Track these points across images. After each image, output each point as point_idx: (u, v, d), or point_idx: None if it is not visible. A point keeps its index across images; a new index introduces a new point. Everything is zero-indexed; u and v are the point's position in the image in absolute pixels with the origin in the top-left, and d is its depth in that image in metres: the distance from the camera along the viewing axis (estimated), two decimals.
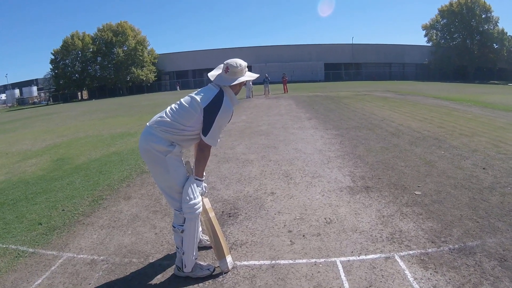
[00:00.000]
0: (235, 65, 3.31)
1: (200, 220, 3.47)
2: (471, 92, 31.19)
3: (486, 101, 21.44)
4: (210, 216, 3.44)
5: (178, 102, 3.31)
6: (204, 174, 3.37)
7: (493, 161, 6.93)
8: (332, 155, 7.75)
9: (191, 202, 3.18)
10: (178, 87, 69.93)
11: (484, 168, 6.42)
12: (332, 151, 8.14)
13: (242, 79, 3.33)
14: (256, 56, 74.29)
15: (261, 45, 79.53)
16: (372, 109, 16.86)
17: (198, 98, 3.22)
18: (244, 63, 3.40)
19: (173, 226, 3.35)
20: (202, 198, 3.31)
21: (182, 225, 3.25)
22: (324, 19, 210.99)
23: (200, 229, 3.60)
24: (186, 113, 3.18)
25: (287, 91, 33.27)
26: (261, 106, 20.98)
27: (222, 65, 3.39)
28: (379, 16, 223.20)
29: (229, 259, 3.48)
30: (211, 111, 3.15)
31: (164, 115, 3.24)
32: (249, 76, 3.44)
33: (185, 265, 3.34)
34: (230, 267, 3.46)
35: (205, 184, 3.38)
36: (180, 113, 3.20)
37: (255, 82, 30.72)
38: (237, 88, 3.41)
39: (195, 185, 3.25)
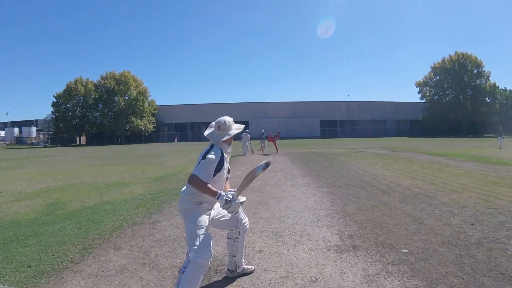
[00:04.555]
0: (223, 122, 4.10)
1: None
2: (464, 147, 31.67)
3: (479, 155, 21.78)
4: None
5: None
6: (223, 193, 3.89)
7: (482, 216, 7.05)
8: (322, 214, 7.81)
9: (198, 249, 3.69)
10: (176, 139, 70.94)
11: (472, 224, 6.53)
12: (323, 209, 8.21)
13: (231, 133, 4.13)
14: (254, 112, 75.98)
15: (259, 101, 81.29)
16: (365, 166, 17.06)
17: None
18: (230, 119, 4.20)
19: (180, 268, 3.86)
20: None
21: (185, 268, 3.67)
22: (321, 79, 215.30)
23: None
24: None
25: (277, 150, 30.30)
26: (256, 162, 20.97)
27: (214, 123, 4.17)
28: (374, 74, 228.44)
29: None
30: (203, 157, 3.89)
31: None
32: (236, 128, 4.22)
33: None
34: None
35: (229, 196, 3.90)
36: None
37: (251, 138, 30.81)
38: (229, 140, 4.20)
39: (205, 238, 3.80)
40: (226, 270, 4.67)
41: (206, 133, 4.24)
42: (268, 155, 26.71)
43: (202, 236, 3.78)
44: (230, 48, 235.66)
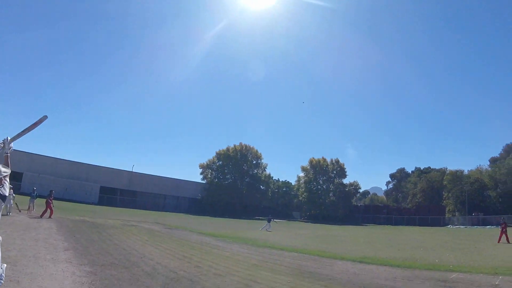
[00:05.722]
0: None
1: None
2: (236, 228, 34.15)
3: (248, 237, 23.46)
4: None
5: None
6: None
7: None
8: None
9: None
10: None
11: None
12: None
13: None
14: (30, 164, 68.09)
15: (35, 153, 72.90)
16: (135, 243, 16.74)
17: None
18: None
19: None
20: None
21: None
22: (105, 146, 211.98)
23: None
24: None
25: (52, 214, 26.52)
26: (18, 226, 18.77)
27: None
28: (161, 150, 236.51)
29: None
30: None
31: None
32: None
33: None
34: None
35: None
36: None
37: (23, 193, 27.51)
38: None
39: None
40: None
41: None
42: (36, 217, 24.22)
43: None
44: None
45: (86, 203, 61.28)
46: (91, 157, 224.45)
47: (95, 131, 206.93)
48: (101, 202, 70.27)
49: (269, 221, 38.84)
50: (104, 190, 74.90)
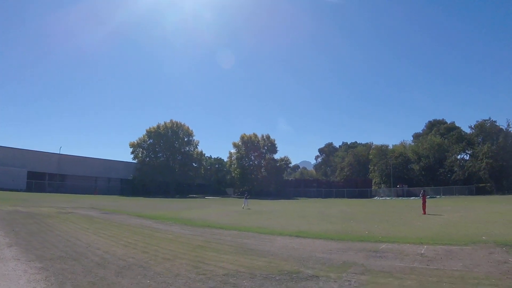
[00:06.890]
0: None
1: None
2: (172, 208, 34.23)
3: (186, 217, 23.84)
4: None
5: None
6: None
7: (194, 283, 7.84)
8: None
9: None
10: None
11: None
12: None
13: None
14: None
15: None
16: (77, 232, 16.57)
17: None
18: None
19: None
20: None
21: None
22: (31, 126, 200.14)
23: None
24: None
25: None
26: None
27: None
28: (89, 130, 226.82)
29: None
30: None
31: None
32: None
33: None
34: None
35: None
36: None
37: None
38: None
39: None
40: None
41: None
42: None
43: None
44: None
45: (13, 190, 58.35)
46: (16, 140, 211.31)
47: (17, 111, 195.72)
48: (29, 188, 67.01)
49: (246, 198, 43.13)
50: (31, 175, 71.18)
